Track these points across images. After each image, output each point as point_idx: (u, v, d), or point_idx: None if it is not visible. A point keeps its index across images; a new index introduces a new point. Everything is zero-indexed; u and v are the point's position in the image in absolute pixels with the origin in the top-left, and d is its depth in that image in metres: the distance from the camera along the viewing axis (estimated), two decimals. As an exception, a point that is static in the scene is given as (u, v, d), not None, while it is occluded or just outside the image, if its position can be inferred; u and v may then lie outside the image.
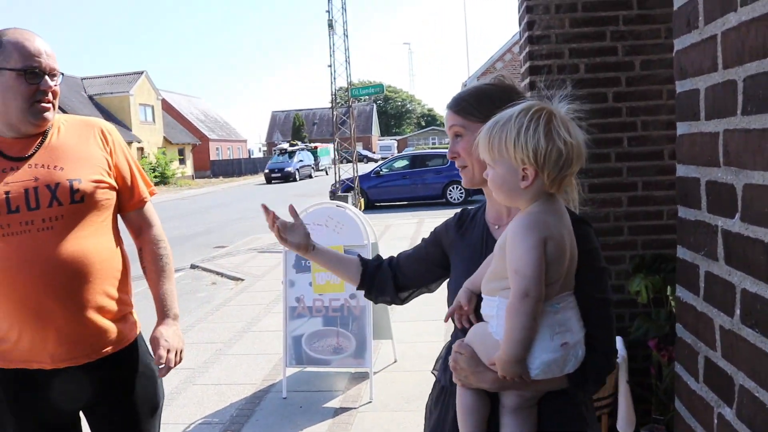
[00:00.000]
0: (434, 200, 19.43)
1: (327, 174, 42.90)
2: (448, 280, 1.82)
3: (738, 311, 1.02)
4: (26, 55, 2.00)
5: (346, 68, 16.84)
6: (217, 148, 58.76)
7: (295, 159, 41.61)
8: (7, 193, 2.00)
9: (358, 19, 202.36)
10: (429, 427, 1.80)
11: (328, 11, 16.32)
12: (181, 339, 2.32)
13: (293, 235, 1.96)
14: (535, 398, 1.51)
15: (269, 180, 39.95)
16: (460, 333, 1.68)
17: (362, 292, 1.99)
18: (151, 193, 2.40)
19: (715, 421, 1.12)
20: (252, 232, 15.05)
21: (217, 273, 10.57)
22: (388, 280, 1.92)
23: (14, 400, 2.11)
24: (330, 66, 16.75)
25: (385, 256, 2.01)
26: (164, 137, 47.14)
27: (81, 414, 2.28)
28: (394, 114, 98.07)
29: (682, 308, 1.28)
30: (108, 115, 41.52)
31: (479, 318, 1.58)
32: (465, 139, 1.65)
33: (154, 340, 2.27)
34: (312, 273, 4.98)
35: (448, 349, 1.73)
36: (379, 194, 19.59)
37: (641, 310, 3.36)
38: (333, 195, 19.32)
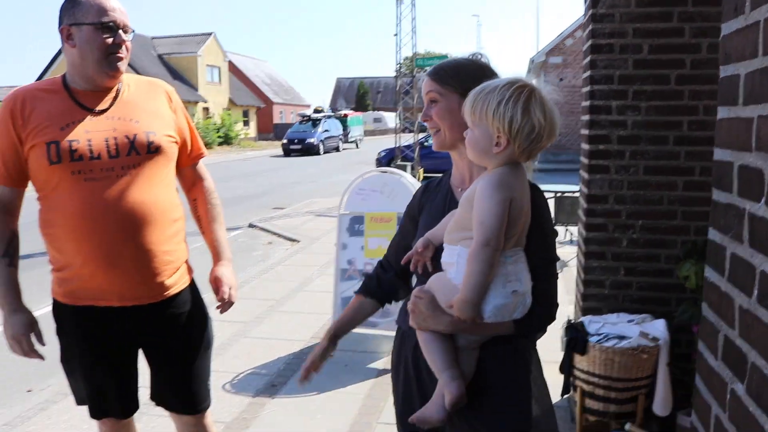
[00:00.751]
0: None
1: (357, 147, 40.27)
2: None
3: (756, 292, 1.06)
4: (102, 11, 2.14)
5: (412, 38, 16.77)
6: (281, 112, 59.34)
7: (320, 128, 35.19)
8: (89, 141, 2.15)
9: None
10: (393, 370, 1.99)
11: (398, -21, 16.22)
12: (236, 278, 2.53)
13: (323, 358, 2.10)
14: (481, 341, 1.69)
15: (287, 152, 33.52)
16: (417, 281, 1.85)
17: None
18: (202, 154, 2.56)
19: (728, 396, 1.17)
20: (310, 196, 15.29)
21: (274, 233, 10.82)
22: (395, 283, 2.03)
23: (82, 335, 2.29)
24: (396, 35, 16.70)
25: None
26: (229, 98, 47.86)
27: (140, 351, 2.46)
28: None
29: (708, 288, 1.32)
30: (176, 75, 42.38)
31: (437, 267, 1.73)
32: (439, 105, 1.79)
33: (217, 280, 2.48)
34: (365, 237, 5.10)
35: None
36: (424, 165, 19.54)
37: (689, 296, 3.35)
38: (379, 163, 19.66)
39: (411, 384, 1.88)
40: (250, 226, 11.55)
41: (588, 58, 3.57)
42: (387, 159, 20.75)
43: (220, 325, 5.68)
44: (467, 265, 1.56)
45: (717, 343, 1.25)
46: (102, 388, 2.35)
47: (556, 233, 1.78)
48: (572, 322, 3.40)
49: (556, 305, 1.75)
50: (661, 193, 3.47)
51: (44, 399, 4.36)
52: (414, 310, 1.70)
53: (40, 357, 2.30)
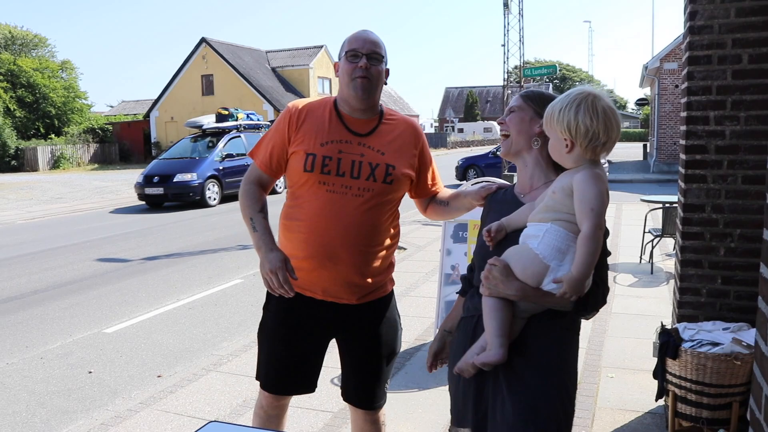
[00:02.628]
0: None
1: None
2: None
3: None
4: (352, 42, 2.56)
5: (520, 48, 16.80)
6: (390, 123, 60.20)
7: (217, 152, 18.68)
8: (339, 160, 2.54)
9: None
10: (455, 357, 2.13)
11: (505, -10, 16.30)
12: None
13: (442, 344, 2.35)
14: (534, 311, 1.93)
15: (147, 201, 17.51)
16: (477, 276, 2.06)
17: None
18: (437, 191, 2.83)
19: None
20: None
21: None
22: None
23: (282, 315, 2.69)
24: (503, 45, 16.77)
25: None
26: (340, 110, 48.97)
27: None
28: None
29: (762, 283, 1.47)
30: (288, 87, 43.99)
31: (504, 248, 1.96)
32: (515, 114, 2.11)
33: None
34: (468, 244, 5.30)
35: (473, 290, 2.13)
36: (494, 173, 19.74)
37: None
38: (457, 171, 20.95)
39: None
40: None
41: (685, 70, 3.64)
42: (463, 168, 21.94)
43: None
44: (582, 246, 1.76)
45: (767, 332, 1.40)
46: (283, 365, 2.71)
47: (607, 232, 1.96)
48: (666, 327, 3.47)
49: (608, 290, 2.01)
50: (762, 203, 3.49)
51: (173, 383, 4.84)
52: (488, 276, 1.91)
53: (290, 292, 2.51)
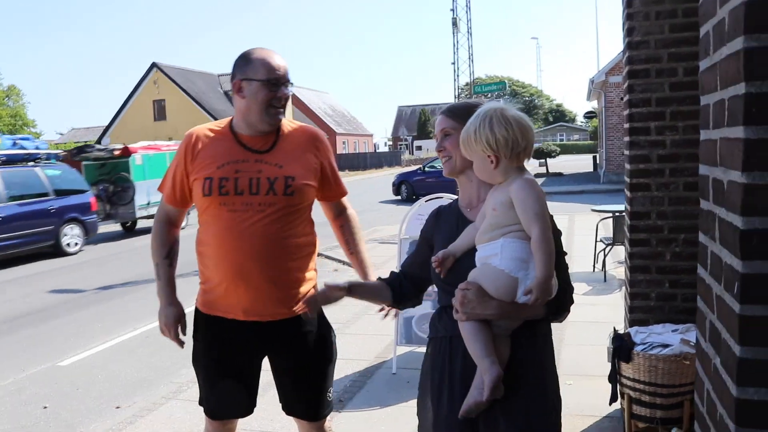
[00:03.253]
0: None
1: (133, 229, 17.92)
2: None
3: (723, 280, 1.30)
4: (270, 69, 2.54)
5: (470, 65, 17.13)
6: (344, 142, 60.47)
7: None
8: (236, 179, 2.55)
9: (484, 15, 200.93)
10: (432, 380, 2.09)
11: (453, 9, 16.61)
12: None
13: (331, 298, 2.28)
14: (514, 327, 1.95)
15: None
16: (441, 294, 2.11)
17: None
18: (344, 194, 2.93)
19: (712, 371, 1.40)
20: (373, 224, 15.66)
21: (339, 261, 11.17)
22: (411, 290, 2.30)
23: (210, 340, 2.70)
24: (453, 63, 17.05)
25: None
26: (294, 131, 48.96)
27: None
28: (521, 109, 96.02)
29: (699, 282, 1.55)
30: (242, 110, 43.64)
31: (457, 275, 1.99)
32: (453, 137, 2.12)
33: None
34: (423, 260, 5.37)
35: (439, 310, 2.13)
36: (422, 188, 22.34)
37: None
38: (393, 186, 22.16)
39: (454, 389, 2.01)
40: (318, 255, 11.94)
41: (626, 83, 3.79)
42: (397, 183, 24.44)
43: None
44: (539, 251, 1.81)
45: (705, 328, 1.48)
46: (219, 389, 2.71)
47: (560, 232, 2.06)
48: (618, 332, 3.58)
49: (573, 288, 2.06)
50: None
51: (132, 414, 4.78)
52: (462, 301, 1.90)
53: (181, 344, 2.78)
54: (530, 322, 1.96)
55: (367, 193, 27.82)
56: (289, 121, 2.75)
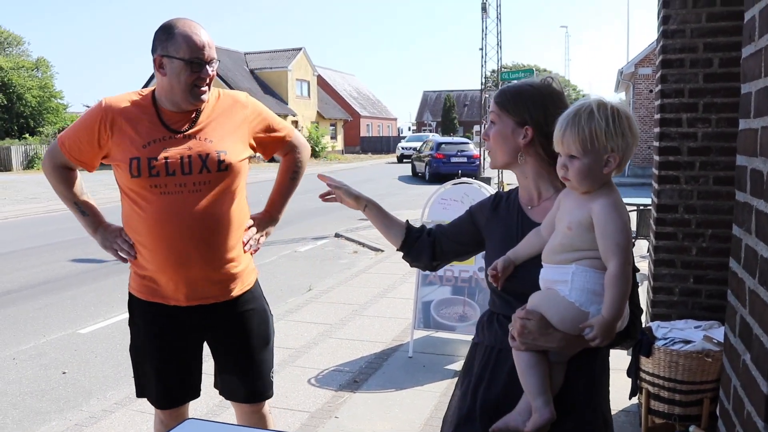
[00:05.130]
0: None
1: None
2: (483, 252, 2.05)
3: (758, 274, 1.26)
4: (193, 48, 2.36)
5: (497, 52, 16.93)
6: (368, 125, 60.39)
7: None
8: (166, 158, 2.39)
9: (513, 1, 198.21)
10: (474, 390, 1.94)
11: (483, -6, 16.43)
12: (263, 234, 2.78)
13: (344, 198, 2.25)
14: (571, 354, 1.75)
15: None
16: (496, 299, 1.93)
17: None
18: (288, 136, 2.77)
19: (741, 367, 1.36)
20: (395, 208, 15.63)
21: (359, 243, 11.18)
22: (426, 250, 2.15)
23: (151, 328, 2.58)
24: (481, 49, 16.89)
25: None
26: (318, 112, 49.12)
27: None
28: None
29: (731, 276, 1.51)
30: (266, 89, 43.88)
31: (516, 285, 1.82)
32: (496, 128, 1.91)
33: (252, 226, 2.70)
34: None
35: (490, 315, 1.97)
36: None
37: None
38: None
39: (482, 394, 1.90)
40: (337, 235, 11.97)
41: (659, 73, 3.71)
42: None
43: (306, 326, 6.08)
44: (612, 286, 1.58)
45: (735, 323, 1.44)
46: (164, 377, 2.60)
47: (637, 269, 1.80)
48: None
49: (642, 311, 1.84)
50: (731, 203, 3.55)
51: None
52: (522, 331, 1.71)
53: (134, 255, 2.53)
54: (588, 349, 1.75)
55: (388, 176, 27.79)
56: (213, 90, 2.57)
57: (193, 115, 2.49)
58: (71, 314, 7.02)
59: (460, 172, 24.63)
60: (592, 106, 1.61)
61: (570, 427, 1.76)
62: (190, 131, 2.46)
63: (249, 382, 2.68)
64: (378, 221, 2.22)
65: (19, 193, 21.94)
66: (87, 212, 2.64)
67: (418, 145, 36.89)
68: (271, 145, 2.74)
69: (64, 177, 2.62)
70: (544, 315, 1.69)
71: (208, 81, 2.44)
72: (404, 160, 39.51)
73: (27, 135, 40.04)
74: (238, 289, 2.60)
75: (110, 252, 2.60)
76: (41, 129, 41.14)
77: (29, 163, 37.19)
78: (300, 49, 47.70)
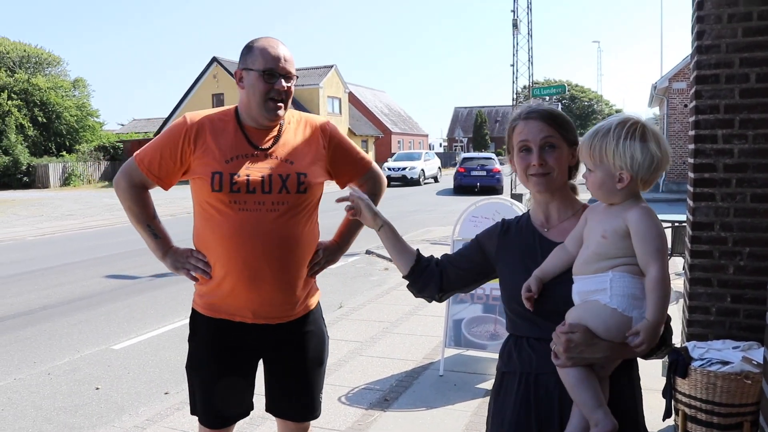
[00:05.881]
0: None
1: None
2: (499, 280, 2.03)
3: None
4: (267, 59, 2.42)
5: (529, 68, 16.89)
6: (399, 141, 60.47)
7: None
8: (248, 176, 2.42)
9: (545, 17, 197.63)
10: (492, 414, 2.01)
11: (513, 11, 16.41)
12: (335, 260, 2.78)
13: (363, 213, 2.21)
14: (614, 367, 1.78)
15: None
16: (520, 322, 1.92)
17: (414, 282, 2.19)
18: (369, 164, 2.79)
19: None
20: (426, 225, 15.62)
21: (390, 260, 11.13)
22: (434, 280, 2.14)
23: (213, 345, 2.57)
24: (512, 66, 16.85)
25: None
26: (349, 128, 49.36)
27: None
28: (580, 114, 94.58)
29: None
30: (298, 106, 44.08)
31: (546, 304, 1.83)
32: (558, 151, 1.91)
33: (324, 250, 2.70)
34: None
35: (516, 340, 1.95)
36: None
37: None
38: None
39: (531, 424, 1.87)
40: (367, 252, 11.96)
41: (693, 89, 3.65)
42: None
43: (336, 343, 6.06)
44: (655, 291, 1.62)
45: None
46: (221, 396, 2.57)
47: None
48: (675, 347, 3.45)
49: (671, 319, 1.83)
50: (770, 221, 3.48)
51: (180, 401, 4.83)
52: (568, 346, 1.70)
53: (207, 273, 2.50)
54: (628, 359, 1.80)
55: (418, 193, 27.78)
56: (296, 113, 2.64)
57: (275, 134, 2.53)
58: (105, 330, 7.11)
59: (478, 184, 26.06)
60: (613, 123, 1.70)
61: None
62: (272, 150, 2.50)
63: (300, 401, 2.69)
64: (390, 244, 2.20)
65: (56, 210, 22.36)
66: (159, 235, 2.62)
67: (410, 164, 34.49)
68: (347, 174, 2.74)
69: (139, 197, 2.61)
70: (588, 326, 1.70)
71: (283, 96, 2.46)
72: (392, 183, 31.26)
73: (64, 153, 40.90)
74: (302, 310, 2.62)
75: (182, 273, 2.58)
76: (78, 147, 42.02)
77: (66, 180, 37.99)
78: (331, 66, 48.08)
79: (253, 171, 2.44)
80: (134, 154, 2.61)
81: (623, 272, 1.68)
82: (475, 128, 68.55)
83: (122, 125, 63.41)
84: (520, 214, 2.12)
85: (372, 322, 6.92)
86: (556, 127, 1.91)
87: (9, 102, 40.48)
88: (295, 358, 2.64)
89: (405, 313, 7.30)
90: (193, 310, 2.65)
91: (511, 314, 1.96)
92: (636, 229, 1.66)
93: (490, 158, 28.34)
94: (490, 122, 73.53)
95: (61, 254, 12.64)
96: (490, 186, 26.16)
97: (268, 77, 2.41)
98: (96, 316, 7.70)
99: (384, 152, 56.10)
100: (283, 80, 2.44)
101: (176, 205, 19.68)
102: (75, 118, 43.56)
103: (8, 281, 10.00)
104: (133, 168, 2.57)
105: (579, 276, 1.77)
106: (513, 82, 17.32)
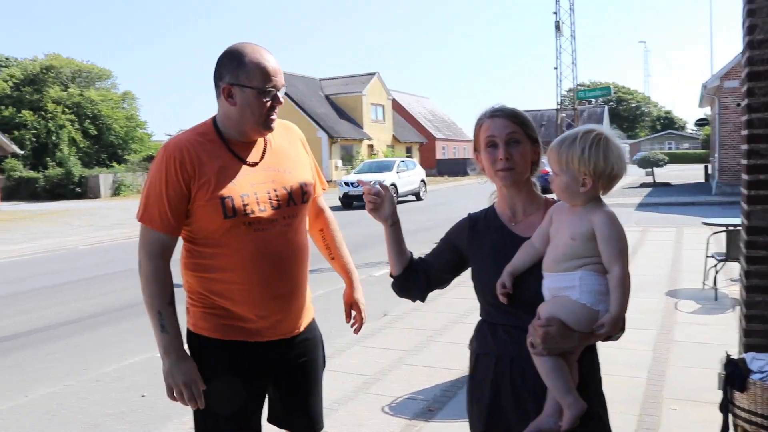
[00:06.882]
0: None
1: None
2: (471, 273, 2.16)
3: None
4: (266, 76, 2.26)
5: (573, 70, 16.66)
6: (443, 147, 60.26)
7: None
8: (256, 194, 2.30)
9: (588, 17, 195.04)
10: (469, 396, 2.21)
11: (555, 12, 16.20)
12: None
13: (384, 207, 2.15)
14: (580, 352, 1.96)
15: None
16: (493, 311, 2.07)
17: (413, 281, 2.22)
18: (325, 188, 2.71)
19: None
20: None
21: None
22: (420, 282, 2.22)
23: (226, 369, 2.37)
24: (556, 68, 16.63)
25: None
26: (393, 135, 49.45)
27: None
28: (627, 116, 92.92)
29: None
30: (342, 114, 44.54)
31: (520, 296, 1.97)
32: (522, 147, 2.05)
33: (354, 304, 2.73)
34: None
35: (491, 325, 2.10)
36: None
37: None
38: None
39: (507, 404, 2.03)
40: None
41: (746, 86, 3.49)
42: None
43: (381, 352, 6.01)
44: (619, 287, 1.82)
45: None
46: (236, 420, 2.40)
47: None
48: (732, 358, 3.29)
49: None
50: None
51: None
52: (546, 338, 1.85)
53: (202, 404, 2.30)
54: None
55: (463, 199, 27.59)
56: None
57: (263, 146, 2.42)
58: (151, 338, 7.06)
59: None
60: (578, 133, 1.89)
61: (595, 410, 1.96)
62: (266, 162, 2.39)
63: (310, 412, 2.60)
64: (394, 242, 2.20)
65: (106, 219, 22.90)
66: (168, 329, 2.31)
67: (374, 177, 23.64)
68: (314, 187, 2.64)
69: (159, 275, 2.33)
70: (562, 320, 1.85)
71: (276, 110, 2.37)
72: (354, 204, 24.93)
73: (114, 163, 42.00)
74: (308, 320, 2.56)
75: (177, 389, 2.28)
76: (127, 157, 43.13)
77: (116, 190, 39.00)
78: (374, 73, 48.24)
79: (259, 188, 2.33)
80: (140, 221, 2.32)
81: (590, 271, 1.86)
82: (520, 132, 67.78)
83: (169, 135, 64.59)
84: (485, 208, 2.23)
85: (416, 331, 6.84)
86: (519, 124, 2.06)
87: (63, 116, 41.80)
88: (303, 368, 2.54)
89: (449, 321, 7.21)
90: (195, 335, 2.43)
91: (485, 304, 2.12)
92: (601, 233, 1.84)
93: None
94: (536, 126, 72.68)
95: (109, 263, 12.90)
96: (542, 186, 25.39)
97: (268, 95, 2.28)
98: (142, 324, 7.76)
99: (429, 158, 55.98)
100: (279, 95, 2.32)
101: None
102: (124, 129, 44.83)
103: (60, 289, 10.25)
104: (149, 234, 2.31)
105: (549, 273, 1.93)
106: (557, 85, 17.13)
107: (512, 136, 2.03)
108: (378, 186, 2.15)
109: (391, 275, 2.25)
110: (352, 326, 2.76)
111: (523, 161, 2.04)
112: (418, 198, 28.68)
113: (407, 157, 49.31)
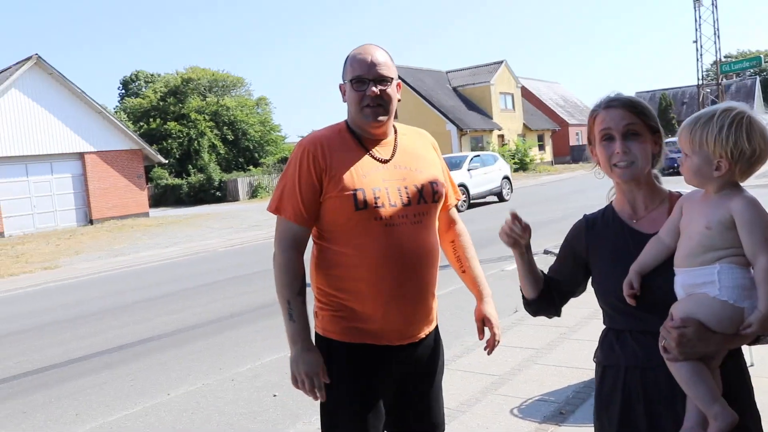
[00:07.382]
0: None
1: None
2: (592, 277, 2.05)
3: None
4: (356, 68, 2.35)
5: (715, 42, 15.49)
6: (577, 133, 58.27)
7: None
8: (387, 189, 2.33)
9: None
10: (597, 410, 2.06)
11: (695, -18, 15.09)
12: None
13: (524, 238, 2.07)
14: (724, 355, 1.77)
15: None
16: (618, 317, 1.93)
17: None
18: (458, 199, 2.71)
19: None
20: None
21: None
22: (555, 303, 2.15)
23: (355, 373, 2.36)
24: (695, 42, 15.54)
25: None
26: (524, 124, 48.42)
27: None
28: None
29: None
30: (470, 105, 44.10)
31: (648, 297, 1.82)
32: (641, 138, 1.91)
33: (486, 320, 2.61)
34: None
35: (617, 333, 1.95)
36: None
37: None
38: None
39: (640, 418, 1.89)
40: (546, 252, 11.46)
41: None
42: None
43: (511, 351, 5.80)
44: (766, 281, 1.62)
45: None
46: (361, 425, 2.36)
47: None
48: None
49: None
50: None
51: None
52: (681, 341, 1.69)
53: (323, 396, 2.33)
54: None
55: (599, 186, 26.52)
56: (400, 124, 2.56)
57: (393, 145, 2.45)
58: (285, 338, 7.31)
59: (676, 165, 23.78)
60: (717, 111, 1.70)
61: (744, 424, 1.75)
62: (397, 160, 2.42)
63: (434, 417, 2.55)
64: (527, 266, 2.11)
65: (244, 222, 23.96)
66: (295, 318, 2.36)
67: None
68: (446, 200, 2.60)
69: (291, 266, 2.37)
70: (699, 320, 1.69)
71: (379, 101, 2.33)
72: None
73: (251, 167, 44.06)
74: (432, 326, 2.51)
75: (300, 378, 2.33)
76: (263, 160, 45.10)
77: (253, 193, 40.85)
78: (501, 62, 47.44)
79: (390, 184, 2.35)
80: (274, 212, 2.41)
81: (731, 263, 1.68)
82: (660, 112, 64.09)
83: (302, 136, 66.97)
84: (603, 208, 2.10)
85: (549, 327, 6.54)
86: (638, 114, 1.91)
87: (204, 122, 44.43)
88: (428, 373, 2.52)
89: (585, 316, 6.85)
90: (324, 338, 2.43)
91: (608, 309, 1.98)
92: (742, 219, 1.66)
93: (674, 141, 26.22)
94: (677, 105, 68.60)
95: (247, 264, 13.40)
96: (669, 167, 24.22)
97: (357, 85, 2.34)
98: (278, 324, 7.94)
99: (562, 145, 54.41)
100: (373, 85, 2.32)
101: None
102: (259, 133, 46.97)
103: (200, 291, 10.78)
104: (285, 226, 2.37)
105: (682, 269, 1.76)
106: (697, 59, 16.00)
107: (630, 128, 1.90)
108: (524, 223, 2.06)
109: (523, 297, 2.19)
110: (485, 348, 2.64)
111: (644, 155, 1.90)
112: (501, 199, 23.52)
113: (538, 145, 48.22)
